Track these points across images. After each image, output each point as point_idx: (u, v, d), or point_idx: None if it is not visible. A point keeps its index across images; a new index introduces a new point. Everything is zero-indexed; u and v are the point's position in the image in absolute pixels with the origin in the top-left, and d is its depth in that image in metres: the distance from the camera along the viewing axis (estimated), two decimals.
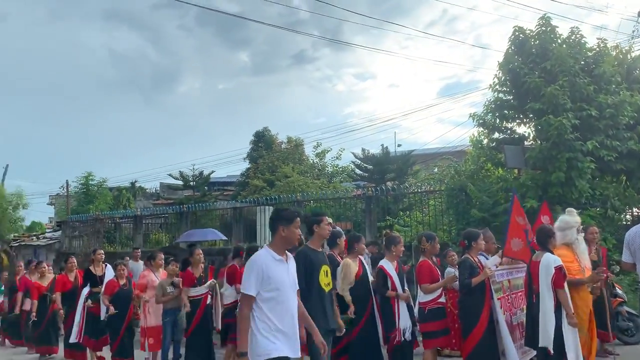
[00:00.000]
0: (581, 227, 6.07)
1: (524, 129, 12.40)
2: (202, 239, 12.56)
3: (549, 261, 5.20)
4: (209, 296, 7.59)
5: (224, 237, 12.63)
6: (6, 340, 11.36)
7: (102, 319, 8.06)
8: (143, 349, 8.09)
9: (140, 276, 8.42)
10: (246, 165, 27.31)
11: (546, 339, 5.13)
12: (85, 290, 8.35)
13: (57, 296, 8.72)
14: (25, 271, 10.93)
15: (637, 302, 8.20)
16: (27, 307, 9.79)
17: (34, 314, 9.26)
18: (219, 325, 7.69)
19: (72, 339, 8.25)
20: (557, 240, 5.59)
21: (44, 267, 10.07)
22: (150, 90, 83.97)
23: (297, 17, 71.73)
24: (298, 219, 3.89)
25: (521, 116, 12.13)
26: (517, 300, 6.28)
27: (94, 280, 8.40)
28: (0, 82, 78.02)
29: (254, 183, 22.23)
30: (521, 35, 11.96)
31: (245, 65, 79.20)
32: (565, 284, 5.16)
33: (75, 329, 8.21)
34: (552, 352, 5.07)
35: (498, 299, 5.78)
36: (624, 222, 11.07)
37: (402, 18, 70.02)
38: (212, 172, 25.46)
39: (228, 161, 57.06)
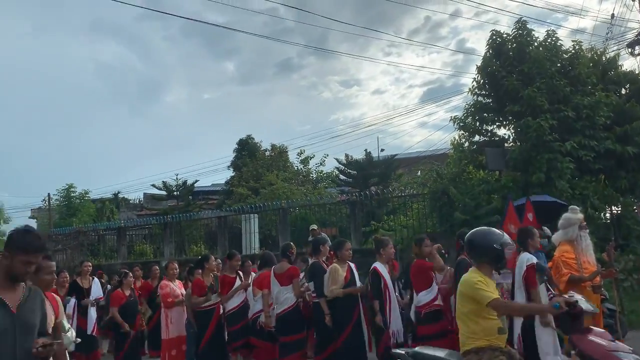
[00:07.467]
0: (584, 223, 5.96)
1: (503, 132, 12.60)
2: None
3: (522, 260, 5.20)
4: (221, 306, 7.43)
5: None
6: None
7: (88, 332, 7.96)
8: None
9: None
10: (230, 173, 27.26)
11: (514, 338, 5.12)
12: (72, 302, 8.23)
13: None
14: None
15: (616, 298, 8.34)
16: None
17: None
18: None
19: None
20: (560, 237, 5.68)
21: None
22: (136, 101, 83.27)
23: (283, 25, 71.79)
24: None
25: (501, 119, 12.30)
26: None
27: (80, 292, 8.29)
28: None
29: (239, 191, 22.15)
30: (499, 39, 12.15)
31: (231, 75, 79.06)
32: (539, 283, 5.16)
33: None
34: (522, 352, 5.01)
35: None
36: (604, 221, 11.26)
37: (386, 26, 70.41)
38: (196, 181, 25.33)
39: (213, 170, 57.08)
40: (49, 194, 28.94)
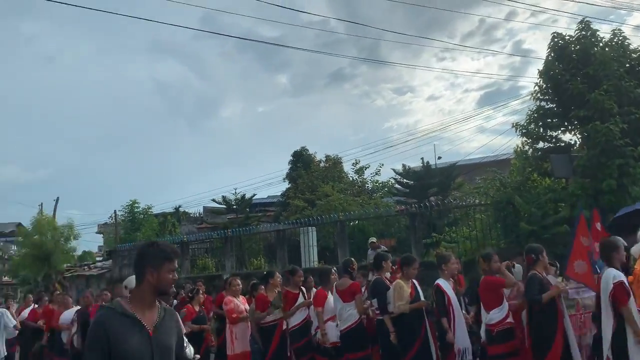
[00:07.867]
0: None
1: (569, 137, 12.11)
2: None
3: (608, 276, 4.90)
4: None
5: None
6: None
7: None
8: None
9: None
10: (286, 185, 27.51)
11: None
12: None
13: None
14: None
15: None
16: None
17: None
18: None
19: None
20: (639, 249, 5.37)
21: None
22: (194, 116, 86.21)
23: (335, 36, 72.19)
24: None
25: (566, 124, 11.82)
26: (588, 320, 5.97)
27: None
28: (50, 117, 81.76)
29: (295, 203, 22.32)
30: (560, 41, 11.72)
31: (284, 87, 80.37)
32: (631, 300, 4.84)
33: None
34: None
35: (570, 316, 5.54)
36: None
37: (440, 30, 69.21)
38: (254, 195, 25.71)
39: (269, 182, 57.49)
40: (115, 211, 30.12)
